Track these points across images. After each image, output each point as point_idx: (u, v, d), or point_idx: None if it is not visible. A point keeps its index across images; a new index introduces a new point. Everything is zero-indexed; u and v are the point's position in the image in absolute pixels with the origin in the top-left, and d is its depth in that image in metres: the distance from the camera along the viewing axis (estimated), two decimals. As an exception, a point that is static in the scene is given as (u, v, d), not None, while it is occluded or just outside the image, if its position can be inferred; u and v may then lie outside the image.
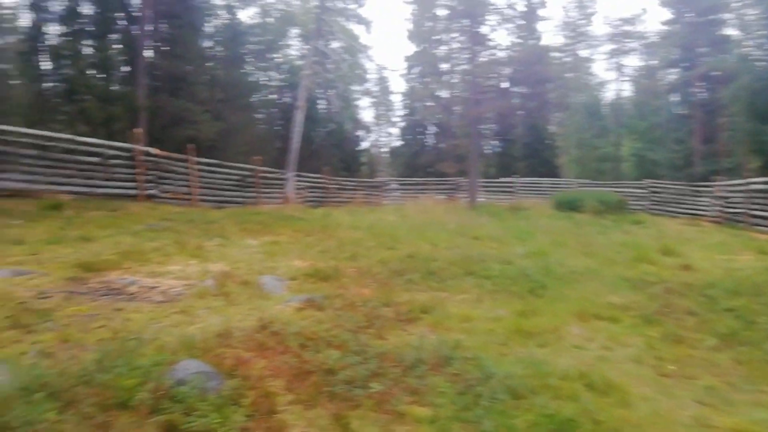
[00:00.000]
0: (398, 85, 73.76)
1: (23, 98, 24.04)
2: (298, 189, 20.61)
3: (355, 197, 23.41)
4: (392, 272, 6.95)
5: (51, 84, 22.28)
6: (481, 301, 6.05)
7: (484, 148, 33.74)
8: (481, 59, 21.72)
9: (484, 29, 21.70)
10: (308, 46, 24.48)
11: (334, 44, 28.62)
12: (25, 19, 25.23)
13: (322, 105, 33.33)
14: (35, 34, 21.83)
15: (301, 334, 4.08)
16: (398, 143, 38.68)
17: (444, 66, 26.93)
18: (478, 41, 21.51)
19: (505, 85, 25.18)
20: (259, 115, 32.64)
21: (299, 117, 21.01)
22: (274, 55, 33.34)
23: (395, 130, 42.81)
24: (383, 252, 8.37)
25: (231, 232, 9.42)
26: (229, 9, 28.34)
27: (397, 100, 43.26)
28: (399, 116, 40.34)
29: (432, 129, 34.65)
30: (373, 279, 6.58)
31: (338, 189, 23.93)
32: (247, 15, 32.44)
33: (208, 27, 26.48)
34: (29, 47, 22.23)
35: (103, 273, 5.89)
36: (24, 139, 12.34)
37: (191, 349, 3.54)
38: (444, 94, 27.64)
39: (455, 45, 23.40)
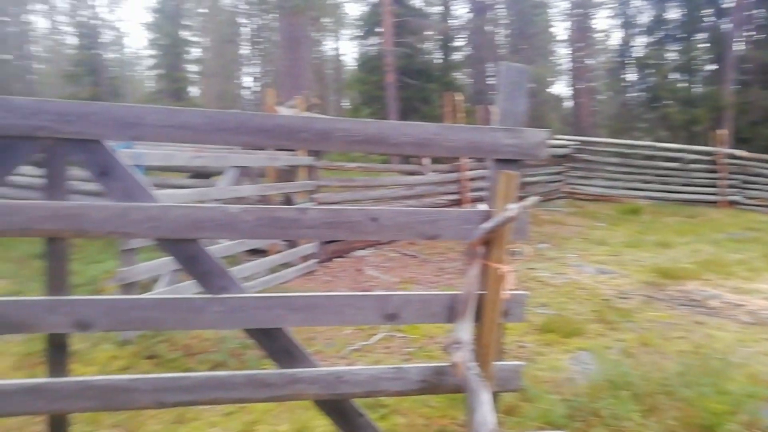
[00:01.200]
0: None
1: (609, 110, 26.67)
2: None
3: None
4: None
5: (634, 94, 23.76)
6: None
7: None
8: None
9: None
10: None
11: None
12: (615, 38, 27.80)
13: None
14: (623, 49, 23.84)
15: None
16: None
17: None
18: None
19: None
20: None
21: None
22: None
23: None
24: None
25: None
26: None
27: None
28: None
29: None
30: None
31: None
32: None
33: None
34: (617, 62, 24.47)
35: (680, 281, 5.73)
36: (608, 149, 13.76)
37: (793, 388, 2.93)
38: None
39: None
